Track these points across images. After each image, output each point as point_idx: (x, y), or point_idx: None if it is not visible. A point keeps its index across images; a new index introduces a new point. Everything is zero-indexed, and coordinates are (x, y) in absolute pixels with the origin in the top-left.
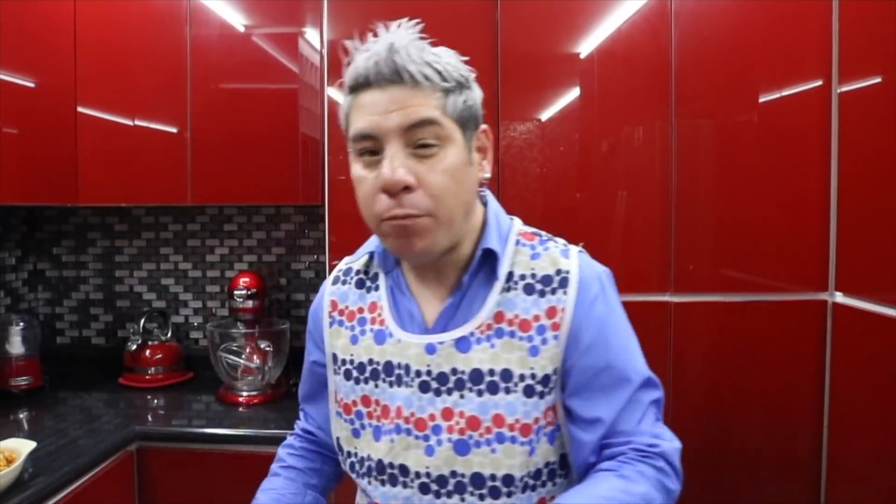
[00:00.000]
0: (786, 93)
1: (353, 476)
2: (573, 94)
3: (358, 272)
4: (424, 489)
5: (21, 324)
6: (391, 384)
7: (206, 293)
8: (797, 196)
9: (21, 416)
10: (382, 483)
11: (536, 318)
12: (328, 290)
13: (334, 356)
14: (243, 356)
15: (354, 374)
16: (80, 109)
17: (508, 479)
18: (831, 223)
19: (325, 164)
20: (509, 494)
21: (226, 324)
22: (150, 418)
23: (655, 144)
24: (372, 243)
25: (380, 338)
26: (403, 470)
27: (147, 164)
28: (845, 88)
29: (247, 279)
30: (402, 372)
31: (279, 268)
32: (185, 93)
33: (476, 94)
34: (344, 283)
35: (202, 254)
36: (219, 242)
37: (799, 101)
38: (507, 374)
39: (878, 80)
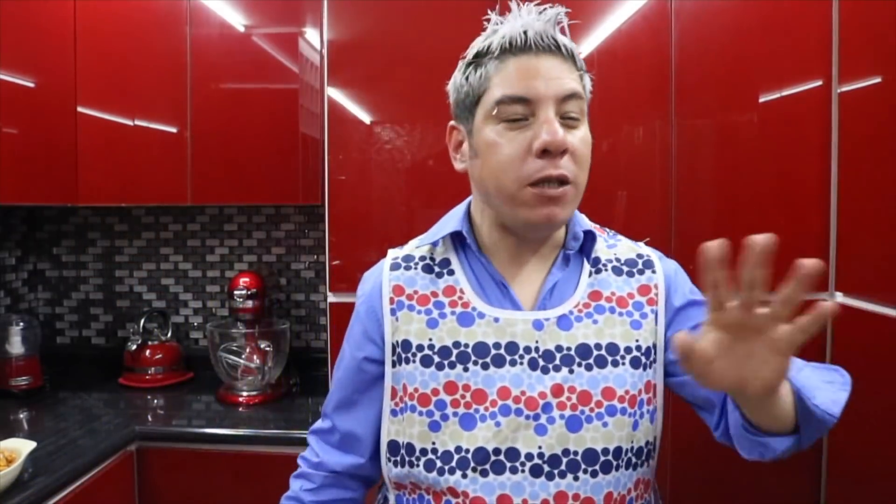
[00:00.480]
0: (786, 93)
1: (430, 476)
2: None
3: (423, 258)
4: (536, 472)
5: (21, 324)
6: (485, 366)
7: (206, 293)
8: (797, 196)
9: (21, 416)
10: (484, 474)
11: (630, 295)
12: (387, 276)
13: (405, 343)
14: (243, 356)
15: (436, 359)
16: (80, 109)
17: (618, 452)
18: (831, 223)
19: (325, 164)
20: (617, 468)
21: (226, 324)
22: (150, 418)
23: (655, 144)
24: (440, 230)
25: (466, 320)
26: (513, 454)
27: (147, 164)
28: (845, 88)
29: (247, 279)
30: (502, 352)
31: (279, 268)
32: (185, 93)
33: (590, 83)
34: (407, 268)
35: (202, 254)
36: (219, 242)
37: (799, 100)
38: (613, 348)
39: (878, 80)
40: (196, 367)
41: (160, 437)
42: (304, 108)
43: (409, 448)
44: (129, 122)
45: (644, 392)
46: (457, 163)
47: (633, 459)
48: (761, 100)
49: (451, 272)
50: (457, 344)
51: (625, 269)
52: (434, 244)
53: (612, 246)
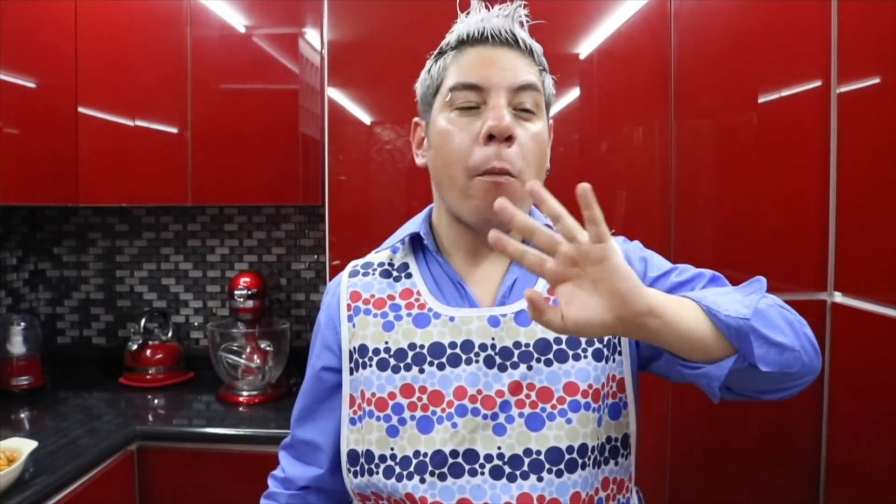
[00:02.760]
0: (785, 93)
1: (389, 483)
2: (573, 94)
3: (381, 264)
4: (497, 474)
5: (22, 324)
6: (440, 367)
7: (206, 293)
8: (796, 196)
9: (22, 415)
10: (442, 478)
11: None
12: (345, 283)
13: (362, 348)
14: (243, 356)
15: (392, 362)
16: (80, 110)
17: (583, 450)
18: (830, 223)
19: (325, 164)
20: (584, 466)
21: (226, 324)
22: (150, 418)
23: (655, 144)
24: (399, 235)
25: (422, 321)
26: (471, 456)
27: (147, 165)
28: (844, 89)
29: (247, 279)
30: (458, 351)
31: (279, 268)
32: (185, 93)
33: (552, 84)
34: (365, 274)
35: (202, 254)
36: (219, 242)
37: (798, 101)
38: (573, 342)
39: (877, 80)
40: (196, 366)
41: (161, 437)
42: (305, 108)
43: (368, 455)
44: (130, 123)
45: (607, 385)
46: (418, 158)
47: (601, 457)
48: (760, 100)
49: (409, 275)
50: (412, 346)
51: None
52: (393, 250)
53: None
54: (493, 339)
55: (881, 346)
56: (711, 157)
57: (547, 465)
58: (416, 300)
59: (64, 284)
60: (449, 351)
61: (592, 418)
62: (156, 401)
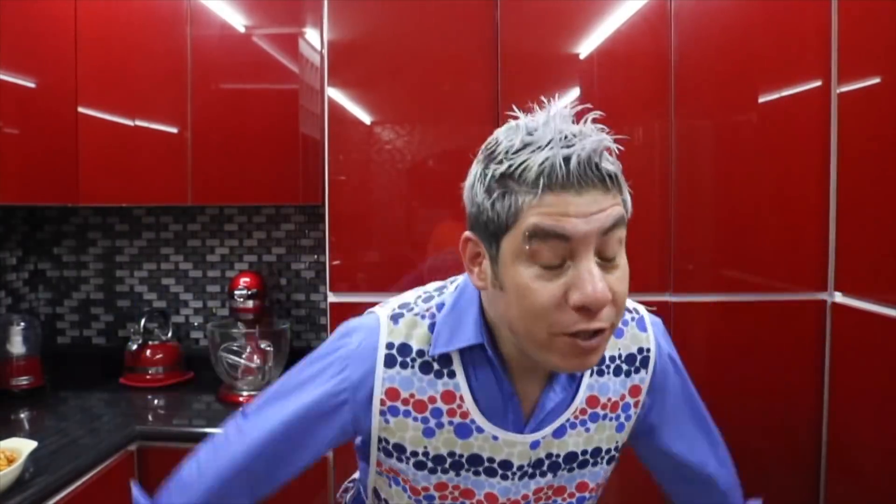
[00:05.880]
0: (785, 93)
1: None
2: (573, 94)
3: (421, 353)
4: None
5: (22, 324)
6: (476, 473)
7: (206, 293)
8: (796, 196)
9: (22, 415)
10: None
11: (622, 397)
12: (381, 374)
13: (398, 446)
14: (244, 356)
15: (430, 464)
16: (80, 109)
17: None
18: (830, 223)
19: (325, 164)
20: None
21: (226, 324)
22: (150, 418)
23: (655, 144)
24: (450, 334)
25: (463, 432)
26: None
27: (147, 164)
28: (844, 89)
29: (247, 279)
30: (495, 466)
31: (279, 268)
32: (185, 93)
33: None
34: (403, 365)
35: (202, 254)
36: (219, 242)
37: (798, 101)
38: (596, 452)
39: (877, 80)
40: (196, 366)
41: (161, 437)
42: (304, 108)
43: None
44: (130, 123)
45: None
46: (475, 279)
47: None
48: (761, 100)
49: (452, 374)
50: (451, 454)
51: (624, 367)
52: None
53: (620, 334)
54: (530, 458)
55: (881, 346)
56: (711, 157)
57: None
58: (459, 407)
59: (64, 284)
60: (487, 464)
61: (592, 501)
62: (156, 401)
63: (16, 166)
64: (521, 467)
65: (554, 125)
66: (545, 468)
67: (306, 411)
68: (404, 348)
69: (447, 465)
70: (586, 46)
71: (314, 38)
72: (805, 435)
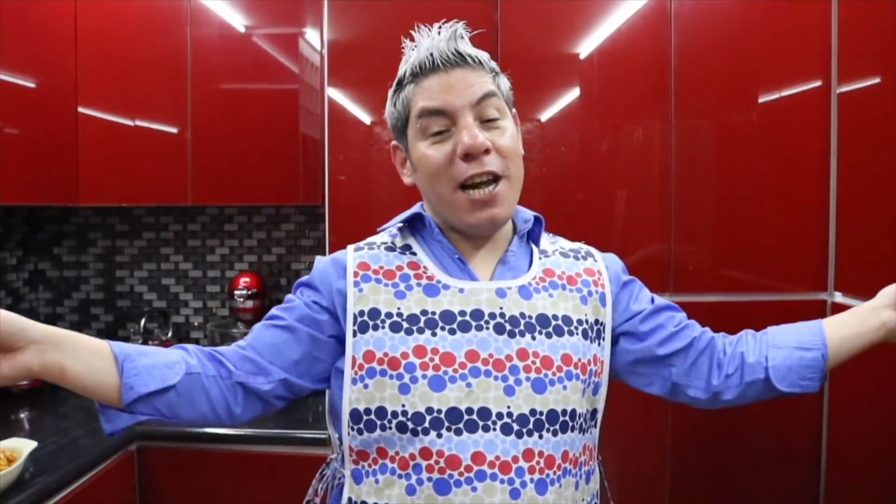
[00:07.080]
0: (785, 93)
1: (404, 437)
2: (573, 94)
3: (383, 243)
4: (506, 430)
5: None
6: (451, 331)
7: (206, 293)
8: (796, 196)
9: (22, 415)
10: (458, 432)
11: (578, 275)
12: (351, 255)
13: (373, 311)
14: None
15: (405, 325)
16: (80, 110)
17: (573, 415)
18: (830, 223)
19: (325, 164)
20: (572, 429)
21: (226, 324)
22: None
23: (655, 144)
24: (397, 220)
25: (432, 291)
26: (484, 413)
27: (147, 165)
28: (844, 89)
29: (247, 279)
30: (468, 318)
31: (279, 268)
32: (185, 93)
33: (507, 81)
34: (370, 248)
35: (202, 254)
36: (219, 242)
37: (798, 101)
38: (567, 319)
39: (878, 80)
40: None
41: (161, 437)
42: (304, 108)
43: (380, 412)
44: (130, 123)
45: (592, 363)
46: (405, 177)
47: (584, 423)
48: (760, 100)
49: (413, 252)
50: (424, 312)
51: (570, 254)
52: (392, 235)
53: (554, 241)
54: (501, 308)
55: (881, 346)
56: (711, 157)
57: (546, 425)
58: (424, 272)
59: (64, 284)
60: (459, 318)
61: (580, 388)
62: None
63: (16, 166)
64: (492, 316)
65: (429, 37)
66: (522, 327)
67: (300, 310)
68: (370, 244)
69: (422, 324)
70: (586, 46)
71: (314, 38)
72: (805, 434)
